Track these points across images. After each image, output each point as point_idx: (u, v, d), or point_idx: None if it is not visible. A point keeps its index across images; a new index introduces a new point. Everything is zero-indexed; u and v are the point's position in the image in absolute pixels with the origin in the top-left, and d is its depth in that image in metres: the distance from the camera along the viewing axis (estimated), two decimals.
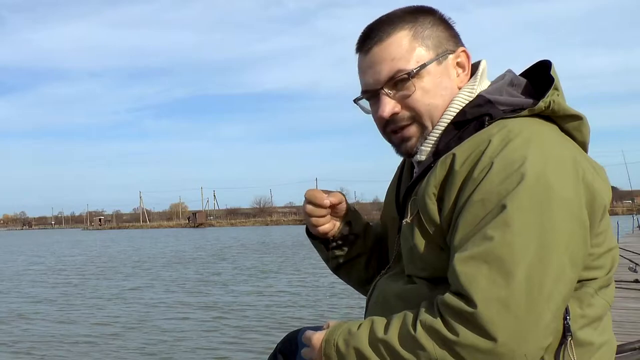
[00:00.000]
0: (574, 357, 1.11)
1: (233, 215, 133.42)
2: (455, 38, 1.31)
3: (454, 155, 1.15)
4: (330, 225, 1.49)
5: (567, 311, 1.10)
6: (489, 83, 1.31)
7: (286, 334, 1.60)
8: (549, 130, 1.17)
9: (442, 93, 1.26)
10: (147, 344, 9.21)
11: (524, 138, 1.11)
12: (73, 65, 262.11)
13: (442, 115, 1.25)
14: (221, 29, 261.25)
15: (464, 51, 1.30)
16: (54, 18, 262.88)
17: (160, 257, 29.87)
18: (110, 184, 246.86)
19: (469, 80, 1.30)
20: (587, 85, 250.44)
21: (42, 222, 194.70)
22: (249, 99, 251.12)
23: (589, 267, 1.14)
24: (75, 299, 14.78)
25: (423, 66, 1.24)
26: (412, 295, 1.21)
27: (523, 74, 1.33)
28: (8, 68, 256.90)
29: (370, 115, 1.33)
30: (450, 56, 1.28)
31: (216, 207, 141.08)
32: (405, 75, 1.23)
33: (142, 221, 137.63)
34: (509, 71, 1.32)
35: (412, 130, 1.27)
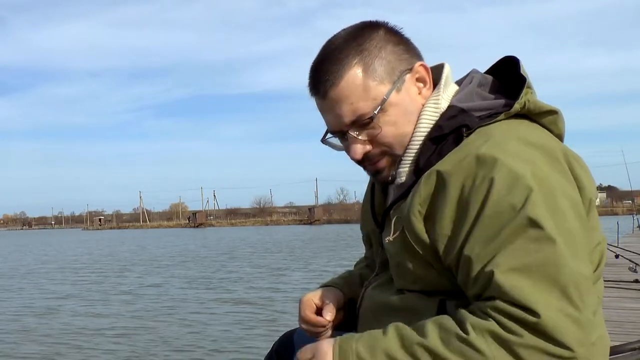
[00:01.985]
0: None
1: (233, 215, 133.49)
2: (409, 52, 1.25)
3: (438, 172, 1.12)
4: (336, 324, 1.43)
5: None
6: (456, 88, 1.27)
7: (282, 333, 1.60)
8: (531, 129, 1.17)
9: (410, 119, 1.22)
10: (177, 337, 9.55)
11: (514, 146, 1.10)
12: (73, 65, 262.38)
13: (413, 133, 1.22)
14: (222, 29, 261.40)
15: (421, 65, 1.24)
16: (54, 18, 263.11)
17: (169, 256, 30.32)
18: (110, 184, 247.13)
19: (432, 92, 1.26)
20: (587, 85, 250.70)
21: (42, 222, 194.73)
22: (249, 99, 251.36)
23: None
24: (99, 295, 15.25)
25: (383, 102, 1.19)
26: (405, 306, 1.21)
27: (489, 71, 1.31)
28: (8, 68, 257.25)
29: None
30: (408, 76, 1.23)
31: (216, 207, 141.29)
32: (368, 120, 1.20)
33: (142, 221, 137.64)
34: (474, 71, 1.30)
35: (384, 162, 1.25)
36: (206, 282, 17.28)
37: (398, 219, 1.19)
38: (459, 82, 1.31)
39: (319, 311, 1.41)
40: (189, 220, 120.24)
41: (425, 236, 1.14)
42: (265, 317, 10.92)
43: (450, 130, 1.17)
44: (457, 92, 1.26)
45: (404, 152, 1.23)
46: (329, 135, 1.28)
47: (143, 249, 39.05)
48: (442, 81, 1.26)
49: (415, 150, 1.22)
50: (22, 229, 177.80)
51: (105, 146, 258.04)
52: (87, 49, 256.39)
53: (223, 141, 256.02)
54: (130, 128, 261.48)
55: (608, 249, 10.94)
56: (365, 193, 1.45)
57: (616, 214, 76.71)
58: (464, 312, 1.07)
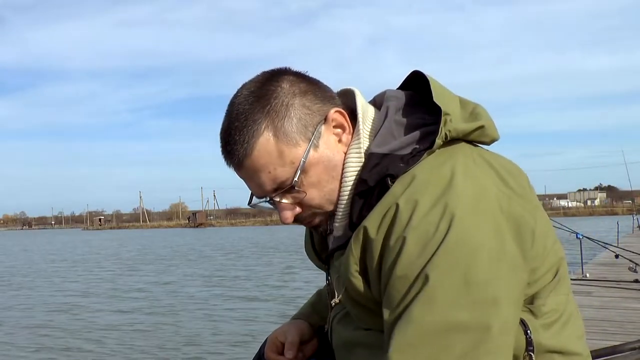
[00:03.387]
0: None
1: (233, 215, 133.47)
2: (319, 100, 1.15)
3: (364, 228, 1.07)
4: (306, 356, 1.43)
5: (526, 326, 1.08)
6: (373, 115, 1.19)
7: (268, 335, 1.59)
8: (457, 163, 1.09)
9: (333, 174, 1.15)
10: (196, 333, 9.80)
11: (432, 195, 1.03)
12: (73, 65, 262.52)
13: (341, 186, 1.16)
14: (222, 29, 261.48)
15: (336, 111, 1.15)
16: (54, 18, 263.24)
17: (177, 255, 30.55)
18: (110, 184, 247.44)
19: (352, 137, 1.17)
20: (587, 85, 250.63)
21: (42, 222, 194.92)
22: None
23: (534, 283, 1.10)
24: (116, 292, 15.54)
25: (302, 165, 1.12)
26: (372, 342, 1.18)
27: (404, 85, 1.25)
28: (8, 68, 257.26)
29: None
30: (323, 127, 1.14)
31: (216, 207, 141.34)
32: (290, 187, 1.13)
33: (142, 221, 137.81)
34: (389, 95, 1.21)
35: (318, 220, 1.20)
36: (219, 280, 17.61)
37: (338, 279, 1.16)
38: (375, 103, 1.24)
39: (284, 349, 1.40)
40: (188, 220, 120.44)
41: (367, 292, 1.11)
42: (279, 313, 11.13)
43: (376, 183, 1.11)
44: (375, 125, 1.18)
45: (335, 207, 1.17)
46: (255, 199, 1.22)
47: (148, 248, 39.32)
48: (360, 119, 1.17)
49: (344, 204, 1.16)
50: (22, 229, 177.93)
51: (105, 146, 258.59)
52: (87, 49, 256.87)
53: None
54: (130, 128, 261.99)
55: (608, 249, 10.96)
56: (306, 234, 1.39)
57: (616, 214, 76.81)
58: None
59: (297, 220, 1.20)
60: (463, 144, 1.15)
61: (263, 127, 1.11)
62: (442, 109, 1.11)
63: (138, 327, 10.48)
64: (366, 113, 1.19)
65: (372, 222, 1.07)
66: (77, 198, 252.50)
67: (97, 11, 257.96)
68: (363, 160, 1.15)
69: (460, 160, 1.10)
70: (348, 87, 1.24)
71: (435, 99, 1.12)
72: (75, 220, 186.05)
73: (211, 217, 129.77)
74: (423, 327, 0.97)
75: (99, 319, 11.44)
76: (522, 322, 1.08)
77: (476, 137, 1.17)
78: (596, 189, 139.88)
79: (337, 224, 1.18)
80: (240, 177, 1.18)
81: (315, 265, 1.41)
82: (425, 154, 1.10)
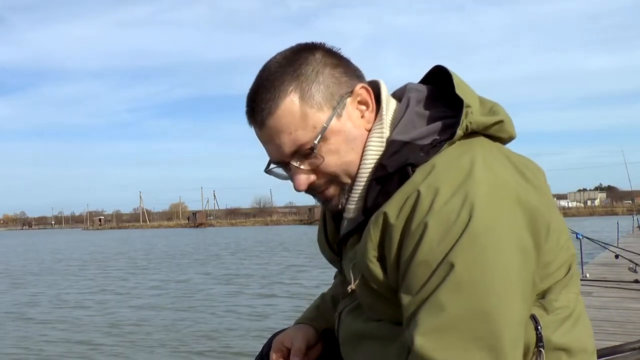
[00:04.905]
0: None
1: (233, 215, 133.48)
2: (348, 74, 1.19)
3: (385, 214, 1.08)
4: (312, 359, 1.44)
5: (537, 321, 1.08)
6: (394, 107, 1.21)
7: (271, 335, 1.57)
8: (476, 155, 1.10)
9: (353, 146, 1.17)
10: (215, 328, 10.11)
11: (452, 183, 1.05)
12: (73, 65, 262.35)
13: (359, 169, 1.17)
14: (222, 29, 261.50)
15: (362, 87, 1.18)
16: (54, 18, 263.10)
17: (183, 254, 30.74)
18: (110, 184, 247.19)
19: (375, 120, 1.20)
20: (587, 85, 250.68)
21: (42, 222, 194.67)
22: None
23: (547, 277, 1.11)
24: (131, 290, 15.93)
25: (323, 130, 1.14)
26: (381, 335, 1.19)
27: (424, 80, 1.27)
28: (8, 68, 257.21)
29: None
30: (349, 100, 1.17)
31: (216, 207, 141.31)
32: (309, 150, 1.15)
33: (142, 221, 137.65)
34: (410, 87, 1.24)
35: (332, 190, 1.20)
36: (231, 278, 17.96)
37: (355, 265, 1.16)
38: (396, 96, 1.25)
39: (289, 354, 1.40)
40: (188, 220, 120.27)
41: (384, 279, 1.11)
42: (293, 309, 11.44)
43: (395, 170, 1.12)
44: (396, 115, 1.19)
45: (351, 188, 1.19)
46: (272, 165, 1.23)
47: (154, 247, 39.50)
48: (383, 106, 1.20)
49: (362, 187, 1.17)
50: (22, 229, 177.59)
51: (106, 146, 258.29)
52: (87, 49, 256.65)
53: (223, 141, 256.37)
54: (130, 128, 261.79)
55: (608, 249, 10.98)
56: (319, 223, 1.40)
57: (616, 214, 76.59)
58: None
59: (311, 189, 1.21)
60: (482, 137, 1.16)
61: (290, 89, 1.13)
62: (464, 100, 1.13)
63: (159, 322, 10.81)
64: (389, 102, 1.21)
65: (393, 208, 1.08)
66: (77, 198, 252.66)
67: (97, 11, 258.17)
68: (384, 146, 1.16)
69: (479, 152, 1.11)
70: (373, 79, 1.26)
71: (457, 91, 1.14)
72: (75, 220, 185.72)
73: (211, 217, 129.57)
74: (451, 313, 0.98)
75: (119, 315, 11.76)
76: (534, 318, 1.08)
77: (495, 131, 1.18)
78: (596, 189, 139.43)
79: (351, 206, 1.19)
80: (261, 140, 1.19)
81: (326, 260, 1.42)
82: (445, 145, 1.12)
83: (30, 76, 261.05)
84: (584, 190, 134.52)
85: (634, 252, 9.56)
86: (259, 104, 1.15)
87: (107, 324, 10.86)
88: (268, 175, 1.25)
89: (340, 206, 1.21)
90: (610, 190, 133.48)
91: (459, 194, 1.04)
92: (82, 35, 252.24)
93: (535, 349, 1.08)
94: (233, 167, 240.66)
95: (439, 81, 1.23)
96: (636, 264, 8.06)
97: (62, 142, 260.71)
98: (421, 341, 0.99)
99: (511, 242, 1.03)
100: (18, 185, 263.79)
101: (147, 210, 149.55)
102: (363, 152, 1.18)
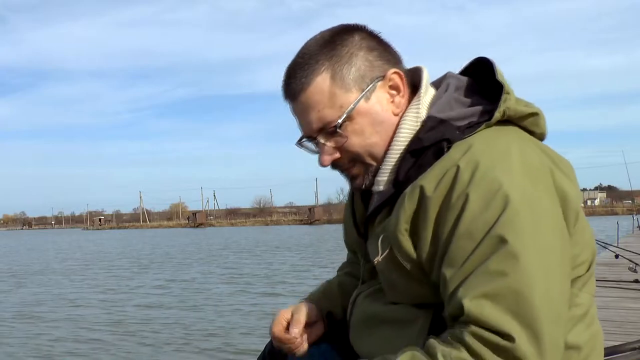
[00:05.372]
0: None
1: (233, 215, 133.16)
2: (383, 58, 1.22)
3: (421, 187, 1.10)
4: (312, 337, 1.44)
5: None
6: (433, 93, 1.24)
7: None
8: (512, 139, 1.14)
9: (378, 129, 1.20)
10: (225, 325, 10.30)
11: (492, 158, 1.08)
12: (73, 65, 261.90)
13: (392, 143, 1.20)
14: (223, 29, 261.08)
15: (395, 72, 1.21)
16: (55, 18, 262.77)
17: (186, 254, 30.81)
18: (110, 184, 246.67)
19: (412, 100, 1.23)
20: (587, 85, 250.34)
21: (42, 222, 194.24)
22: (249, 99, 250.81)
23: (573, 270, 1.13)
24: (137, 289, 16.03)
25: (350, 110, 1.18)
26: (396, 318, 1.21)
27: (463, 72, 1.30)
28: (9, 68, 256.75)
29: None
30: (379, 84, 1.20)
31: (216, 207, 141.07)
32: (333, 128, 1.19)
33: (142, 221, 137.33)
34: (450, 74, 1.27)
35: (356, 169, 1.24)
36: (236, 277, 18.04)
37: (385, 237, 1.17)
38: (435, 84, 1.28)
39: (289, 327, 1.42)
40: (188, 220, 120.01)
41: (413, 253, 1.12)
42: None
43: (430, 144, 1.15)
44: (434, 99, 1.23)
45: (383, 160, 1.21)
46: (303, 139, 1.28)
47: (155, 247, 39.47)
48: (422, 88, 1.23)
49: (394, 160, 1.20)
50: (22, 229, 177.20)
51: (105, 146, 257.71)
52: (88, 49, 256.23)
53: (223, 141, 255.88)
54: (130, 128, 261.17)
55: (608, 249, 10.96)
56: (346, 203, 1.44)
57: (616, 214, 76.32)
58: (434, 342, 1.05)
59: (335, 166, 1.25)
60: (516, 128, 1.19)
61: (323, 68, 1.18)
62: (504, 86, 1.16)
63: (164, 320, 10.92)
64: (428, 87, 1.25)
65: (430, 181, 1.09)
66: (77, 198, 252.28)
67: (98, 11, 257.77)
68: (419, 124, 1.20)
69: (515, 137, 1.15)
70: (418, 65, 1.30)
71: (497, 77, 1.18)
72: (75, 220, 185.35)
73: (211, 217, 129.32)
74: (505, 281, 1.00)
75: (124, 314, 11.87)
76: None
77: (529, 124, 1.20)
78: (596, 189, 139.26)
79: (381, 178, 1.22)
80: (294, 114, 1.25)
81: (349, 247, 1.47)
82: (482, 126, 1.15)
83: (30, 76, 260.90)
84: (584, 190, 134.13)
85: (634, 252, 9.55)
86: (293, 80, 1.20)
87: (112, 322, 10.96)
88: (299, 147, 1.30)
89: (364, 185, 1.25)
90: (610, 190, 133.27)
91: (499, 168, 1.07)
92: (82, 35, 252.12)
93: None
94: (233, 167, 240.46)
95: (478, 75, 1.26)
96: (636, 264, 8.06)
97: (62, 142, 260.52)
98: (472, 304, 1.00)
99: (551, 222, 1.06)
100: (18, 185, 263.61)
101: (147, 210, 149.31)
102: (396, 129, 1.21)
